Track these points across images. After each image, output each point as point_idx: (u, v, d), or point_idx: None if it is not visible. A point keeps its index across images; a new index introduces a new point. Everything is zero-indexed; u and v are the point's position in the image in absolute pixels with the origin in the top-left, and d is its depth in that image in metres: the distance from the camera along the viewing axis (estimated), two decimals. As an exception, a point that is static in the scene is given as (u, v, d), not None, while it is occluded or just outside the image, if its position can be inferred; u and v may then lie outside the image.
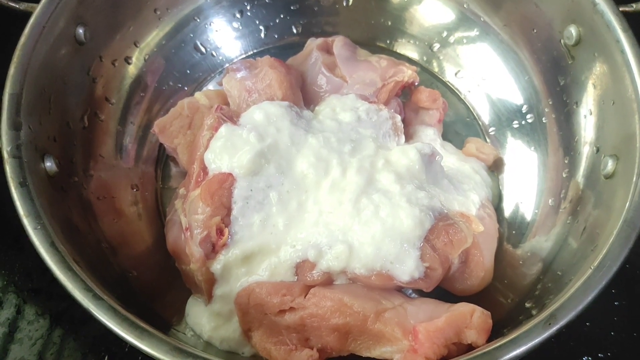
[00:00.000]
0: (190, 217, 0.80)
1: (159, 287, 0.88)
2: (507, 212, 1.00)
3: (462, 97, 1.14)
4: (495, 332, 0.73)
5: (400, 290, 0.83)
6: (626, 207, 0.73)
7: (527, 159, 1.03)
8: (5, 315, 0.92)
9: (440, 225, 0.79)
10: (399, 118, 0.98)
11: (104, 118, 0.97)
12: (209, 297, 0.81)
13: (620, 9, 0.86)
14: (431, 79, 1.16)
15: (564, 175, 0.94)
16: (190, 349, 0.64)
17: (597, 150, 0.87)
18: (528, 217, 0.97)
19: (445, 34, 1.15)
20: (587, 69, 0.90)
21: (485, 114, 1.11)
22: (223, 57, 1.16)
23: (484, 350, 0.66)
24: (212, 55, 1.15)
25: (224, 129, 0.85)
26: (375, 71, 1.02)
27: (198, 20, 1.13)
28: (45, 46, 0.83)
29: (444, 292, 0.86)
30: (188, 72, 1.12)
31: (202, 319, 0.82)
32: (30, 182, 0.74)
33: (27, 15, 0.84)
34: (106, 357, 0.89)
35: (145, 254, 0.91)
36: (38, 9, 0.84)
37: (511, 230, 0.97)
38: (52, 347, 0.90)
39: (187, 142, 0.94)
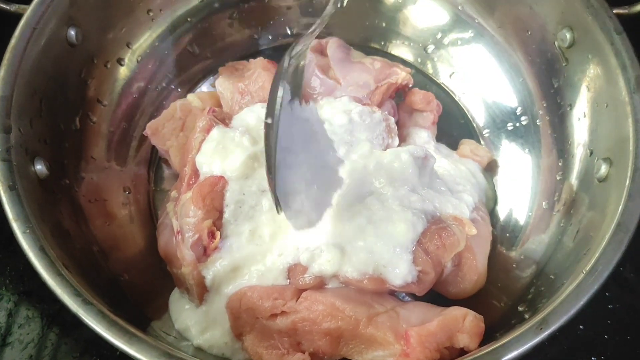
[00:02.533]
0: (182, 220, 0.80)
1: (150, 290, 0.87)
2: (501, 214, 0.99)
3: (457, 99, 1.13)
4: (488, 336, 0.73)
5: (392, 294, 0.82)
6: (619, 211, 0.73)
7: (521, 161, 1.03)
8: (-4, 318, 0.92)
9: (433, 229, 0.79)
10: (392, 120, 0.98)
11: (95, 120, 0.96)
12: (200, 301, 0.81)
13: (614, 11, 0.86)
14: (425, 80, 1.15)
15: (558, 178, 0.93)
16: (180, 354, 0.64)
17: (591, 153, 0.86)
18: (522, 219, 0.97)
19: (439, 35, 1.15)
20: (580, 72, 0.90)
21: (479, 116, 1.11)
22: (216, 59, 1.15)
23: (476, 355, 0.66)
24: (206, 56, 1.14)
25: (215, 132, 0.84)
26: (369, 73, 1.01)
27: (191, 22, 1.12)
28: (37, 48, 0.83)
29: (437, 295, 0.85)
30: (181, 73, 1.11)
31: (187, 318, 0.82)
32: (19, 185, 0.73)
33: (17, 16, 0.83)
34: (98, 361, 0.88)
35: (137, 258, 0.91)
36: (29, 10, 0.83)
37: (505, 233, 0.97)
38: (44, 351, 0.89)
39: (180, 145, 0.94)
